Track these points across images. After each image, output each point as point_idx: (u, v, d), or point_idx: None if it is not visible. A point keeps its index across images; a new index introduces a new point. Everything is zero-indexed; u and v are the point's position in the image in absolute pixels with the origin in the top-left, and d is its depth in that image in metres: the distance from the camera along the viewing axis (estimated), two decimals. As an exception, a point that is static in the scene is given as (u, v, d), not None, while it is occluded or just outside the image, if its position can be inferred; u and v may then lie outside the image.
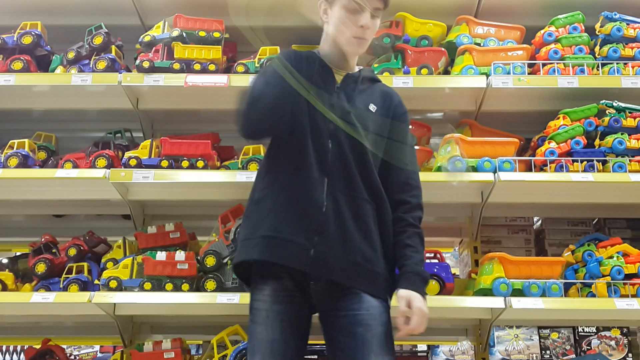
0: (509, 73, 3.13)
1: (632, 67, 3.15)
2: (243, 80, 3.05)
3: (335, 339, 2.15)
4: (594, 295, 2.89)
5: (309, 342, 2.23)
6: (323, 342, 2.26)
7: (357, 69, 2.37)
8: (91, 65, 3.21)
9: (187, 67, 3.16)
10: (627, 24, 3.27)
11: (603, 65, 3.18)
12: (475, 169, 3.00)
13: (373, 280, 2.15)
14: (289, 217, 2.11)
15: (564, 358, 3.42)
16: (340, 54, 2.29)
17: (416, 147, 3.16)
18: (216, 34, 3.25)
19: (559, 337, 3.48)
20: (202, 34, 3.25)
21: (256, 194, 2.21)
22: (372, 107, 2.28)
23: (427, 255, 3.02)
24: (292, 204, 2.12)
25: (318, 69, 2.26)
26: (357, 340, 2.08)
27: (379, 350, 2.07)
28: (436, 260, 3.02)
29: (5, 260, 3.35)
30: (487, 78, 3.10)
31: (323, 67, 2.28)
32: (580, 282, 2.95)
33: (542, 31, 3.31)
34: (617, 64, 3.16)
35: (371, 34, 2.27)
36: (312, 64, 2.27)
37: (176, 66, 3.15)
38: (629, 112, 3.12)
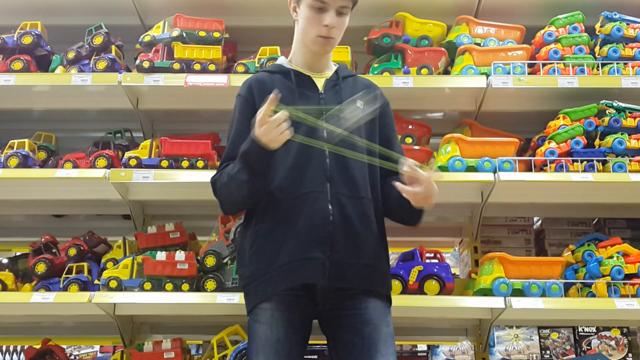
0: (509, 73, 3.13)
1: (632, 67, 3.15)
2: (243, 80, 3.04)
3: (341, 338, 2.14)
4: (594, 295, 2.89)
5: (310, 342, 2.24)
6: (323, 342, 2.26)
7: (333, 66, 2.37)
8: (91, 65, 3.20)
9: (187, 67, 3.16)
10: (627, 24, 3.27)
11: (603, 65, 3.18)
12: (475, 169, 3.00)
13: (383, 279, 2.20)
14: (301, 236, 2.09)
15: (564, 358, 3.42)
16: (311, 55, 2.29)
17: (416, 147, 3.17)
18: (216, 34, 3.25)
19: (559, 337, 3.48)
20: (202, 34, 3.25)
21: (263, 226, 2.15)
22: (359, 104, 2.25)
23: (427, 255, 3.02)
24: (301, 223, 2.10)
25: (296, 81, 2.25)
26: (365, 339, 2.09)
27: (384, 350, 2.08)
28: (436, 260, 3.02)
29: (5, 260, 3.35)
30: (487, 78, 3.10)
31: (300, 77, 2.27)
32: (580, 282, 2.95)
33: (542, 31, 3.31)
34: (617, 64, 3.15)
35: (338, 32, 2.24)
36: (286, 79, 2.26)
37: (176, 66, 3.15)
38: (629, 112, 3.11)
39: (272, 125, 1.97)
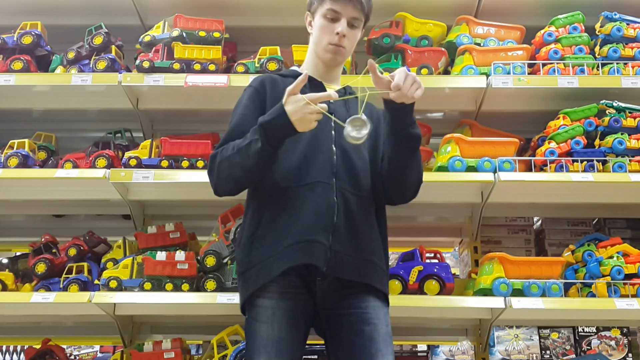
0: (509, 73, 3.13)
1: (632, 67, 3.15)
2: (243, 80, 3.04)
3: (341, 337, 2.15)
4: (594, 295, 2.89)
5: (309, 342, 2.24)
6: (323, 342, 2.26)
7: (339, 82, 2.43)
8: (91, 65, 3.20)
9: (187, 67, 3.16)
10: (627, 24, 3.27)
11: (603, 65, 3.18)
12: (475, 169, 3.00)
13: (381, 277, 2.22)
14: (306, 222, 2.12)
15: (564, 358, 3.41)
16: (323, 65, 2.35)
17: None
18: (216, 34, 3.25)
19: (559, 337, 3.48)
20: (202, 34, 3.24)
21: (267, 213, 2.18)
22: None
23: (427, 255, 3.02)
24: (306, 211, 2.13)
25: (309, 87, 2.28)
26: (365, 338, 2.10)
27: (384, 349, 2.10)
28: (436, 260, 3.02)
29: (5, 260, 3.35)
30: (487, 78, 3.10)
31: (313, 83, 2.32)
32: (580, 282, 2.95)
33: (542, 31, 3.31)
34: (617, 64, 3.15)
35: (349, 42, 2.31)
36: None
37: (176, 66, 3.15)
38: (629, 112, 3.12)
39: (303, 103, 2.00)
